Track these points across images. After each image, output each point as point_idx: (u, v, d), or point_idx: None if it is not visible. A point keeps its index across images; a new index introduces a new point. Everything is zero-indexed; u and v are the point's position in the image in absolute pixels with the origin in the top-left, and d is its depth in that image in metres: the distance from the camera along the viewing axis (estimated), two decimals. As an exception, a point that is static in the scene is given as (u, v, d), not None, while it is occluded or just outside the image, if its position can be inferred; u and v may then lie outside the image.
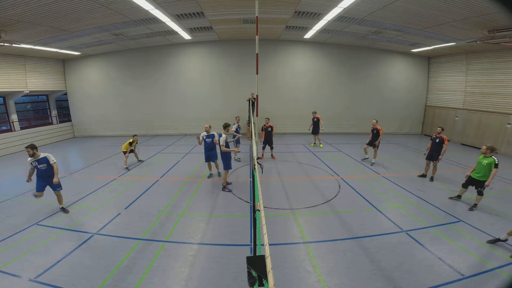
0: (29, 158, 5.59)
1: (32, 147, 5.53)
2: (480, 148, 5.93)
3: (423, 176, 8.03)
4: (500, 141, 11.38)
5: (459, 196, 6.41)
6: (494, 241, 4.53)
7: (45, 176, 5.74)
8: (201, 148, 7.78)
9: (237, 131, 9.83)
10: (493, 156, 5.68)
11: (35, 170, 5.68)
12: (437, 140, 7.48)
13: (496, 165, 5.56)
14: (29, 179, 5.75)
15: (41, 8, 7.32)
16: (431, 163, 7.73)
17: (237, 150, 8.14)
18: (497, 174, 8.05)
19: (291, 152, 11.33)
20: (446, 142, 7.36)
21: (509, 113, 11.05)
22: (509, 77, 10.98)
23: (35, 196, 5.78)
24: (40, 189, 5.76)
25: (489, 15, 7.54)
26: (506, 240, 4.43)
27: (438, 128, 7.63)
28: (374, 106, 15.59)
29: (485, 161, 5.70)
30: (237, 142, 10.10)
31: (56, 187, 5.88)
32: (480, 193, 5.81)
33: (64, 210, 6.03)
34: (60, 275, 3.85)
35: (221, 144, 6.80)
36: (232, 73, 14.97)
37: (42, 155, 5.68)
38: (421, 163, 8.36)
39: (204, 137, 7.51)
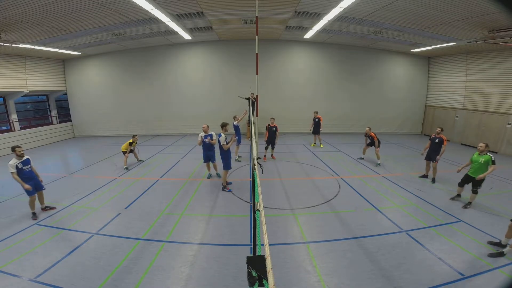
0: (14, 160, 5.38)
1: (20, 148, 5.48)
2: (486, 144, 5.88)
3: (425, 176, 8.00)
4: (500, 141, 11.39)
5: (459, 195, 6.42)
6: (495, 244, 4.47)
7: (31, 177, 5.63)
8: (201, 148, 7.78)
9: (237, 128, 9.84)
10: (488, 153, 5.70)
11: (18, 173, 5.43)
12: (436, 141, 7.45)
13: (493, 162, 5.59)
14: (27, 185, 5.43)
15: (41, 8, 7.31)
16: (431, 163, 7.72)
17: (234, 139, 7.47)
18: (497, 174, 8.13)
19: (291, 152, 11.33)
20: (445, 142, 7.34)
21: (509, 113, 11.05)
22: (509, 77, 10.98)
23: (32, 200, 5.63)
24: (33, 192, 5.56)
25: (489, 15, 7.54)
26: (506, 246, 4.31)
27: (438, 129, 7.58)
28: (374, 106, 15.59)
29: (481, 159, 5.72)
30: (239, 141, 10.11)
31: (42, 187, 5.85)
32: (474, 192, 5.84)
33: (48, 208, 6.00)
34: (60, 275, 3.86)
35: (221, 143, 6.81)
36: (232, 73, 14.95)
37: (25, 156, 5.59)
38: (421, 163, 8.35)
39: (203, 137, 7.54)
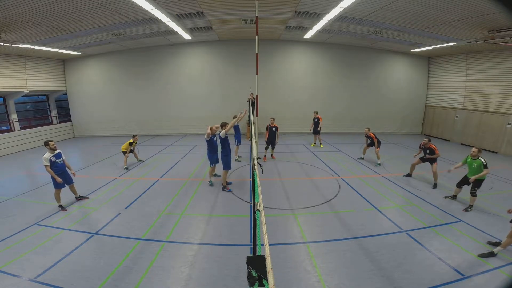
0: (48, 154, 5.66)
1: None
2: (478, 148, 5.88)
3: (409, 175, 8.08)
4: (500, 141, 11.38)
5: (454, 196, 6.43)
6: (495, 244, 4.43)
7: (63, 170, 5.95)
8: (201, 148, 7.73)
9: (237, 128, 9.85)
10: (480, 158, 5.70)
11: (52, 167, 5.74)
12: (428, 151, 7.46)
13: (485, 166, 5.61)
14: (59, 179, 5.73)
15: (41, 8, 7.31)
16: (421, 165, 7.78)
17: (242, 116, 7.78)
18: (497, 174, 8.12)
19: (291, 152, 11.33)
20: (437, 151, 7.27)
21: (509, 113, 11.05)
22: (509, 77, 10.97)
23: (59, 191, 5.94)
24: (61, 185, 5.85)
25: (489, 15, 7.54)
26: (496, 254, 4.23)
27: (424, 139, 7.46)
28: (374, 106, 15.59)
29: (474, 164, 5.76)
30: (239, 141, 10.11)
31: (72, 181, 6.18)
32: (473, 194, 5.83)
33: (82, 198, 6.49)
34: (60, 275, 3.86)
35: (220, 134, 6.80)
36: (232, 73, 14.96)
37: (57, 150, 5.89)
38: (421, 164, 8.31)
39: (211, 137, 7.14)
